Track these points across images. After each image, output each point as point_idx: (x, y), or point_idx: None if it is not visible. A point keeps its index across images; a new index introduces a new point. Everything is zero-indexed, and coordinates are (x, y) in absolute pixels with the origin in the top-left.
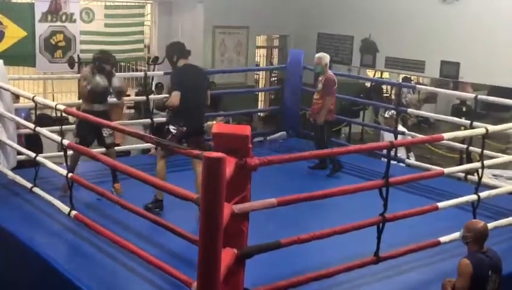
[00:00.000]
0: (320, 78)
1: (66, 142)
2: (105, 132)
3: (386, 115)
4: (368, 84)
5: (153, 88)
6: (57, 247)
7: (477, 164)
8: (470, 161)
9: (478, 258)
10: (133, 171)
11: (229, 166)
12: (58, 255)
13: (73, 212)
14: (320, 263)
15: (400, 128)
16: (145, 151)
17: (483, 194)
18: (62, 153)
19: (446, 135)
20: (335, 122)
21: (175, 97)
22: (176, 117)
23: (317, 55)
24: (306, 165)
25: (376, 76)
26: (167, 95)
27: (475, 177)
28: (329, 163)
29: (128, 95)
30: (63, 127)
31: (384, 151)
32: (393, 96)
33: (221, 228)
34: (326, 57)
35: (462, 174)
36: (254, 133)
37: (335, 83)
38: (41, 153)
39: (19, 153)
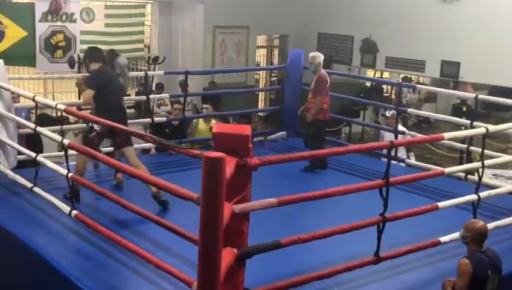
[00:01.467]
0: (313, 77)
1: (66, 141)
2: None
3: (388, 115)
4: (368, 84)
5: (153, 88)
6: (58, 247)
7: (477, 164)
8: (470, 160)
9: (478, 258)
10: (133, 170)
11: (229, 166)
12: (59, 254)
13: (74, 212)
14: (320, 263)
15: (400, 128)
16: (146, 150)
17: (483, 194)
18: (63, 152)
19: (446, 135)
20: (335, 122)
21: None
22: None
23: (311, 54)
24: (306, 165)
25: (376, 76)
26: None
27: (475, 177)
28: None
29: (129, 95)
30: (64, 126)
31: (385, 151)
32: (393, 96)
33: (221, 228)
34: (319, 56)
35: (463, 174)
36: (254, 133)
37: (327, 82)
38: (42, 153)
39: (20, 153)
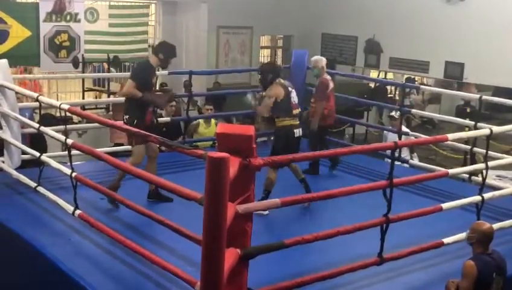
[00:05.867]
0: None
1: (70, 141)
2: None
3: (396, 116)
4: (372, 85)
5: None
6: (61, 246)
7: (481, 165)
8: (474, 162)
9: (483, 260)
10: (136, 170)
11: (233, 166)
12: (62, 254)
13: (78, 212)
14: (324, 264)
15: (404, 129)
16: None
17: (487, 195)
18: (66, 152)
19: (450, 136)
20: (339, 122)
21: None
22: None
23: (313, 58)
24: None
25: (380, 76)
26: None
27: (479, 178)
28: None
29: None
30: (67, 126)
31: (388, 152)
32: (397, 97)
33: (224, 228)
34: (321, 60)
35: (466, 175)
36: (258, 134)
37: (327, 87)
38: (46, 152)
39: (24, 152)
